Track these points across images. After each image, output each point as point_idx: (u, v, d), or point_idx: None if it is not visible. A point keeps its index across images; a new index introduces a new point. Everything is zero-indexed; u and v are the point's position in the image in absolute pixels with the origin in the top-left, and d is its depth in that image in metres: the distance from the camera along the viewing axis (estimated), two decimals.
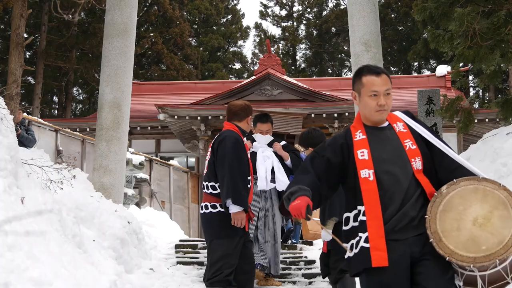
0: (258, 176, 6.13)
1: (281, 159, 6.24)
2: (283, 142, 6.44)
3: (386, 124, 2.79)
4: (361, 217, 2.64)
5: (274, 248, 6.38)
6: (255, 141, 6.35)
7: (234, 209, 4.29)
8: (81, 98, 33.88)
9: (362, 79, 2.77)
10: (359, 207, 2.66)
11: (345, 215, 2.78)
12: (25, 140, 8.50)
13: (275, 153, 6.26)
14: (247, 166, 4.49)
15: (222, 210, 4.37)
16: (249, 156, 4.68)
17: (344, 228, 2.77)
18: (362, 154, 2.69)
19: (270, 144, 6.33)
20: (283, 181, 6.15)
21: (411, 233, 2.60)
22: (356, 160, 2.70)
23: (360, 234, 2.64)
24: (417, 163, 2.66)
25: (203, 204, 4.57)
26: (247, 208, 4.34)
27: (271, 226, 6.35)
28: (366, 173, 2.65)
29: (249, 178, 4.51)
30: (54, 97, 32.66)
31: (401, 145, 2.70)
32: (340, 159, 2.75)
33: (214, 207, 4.43)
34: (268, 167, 6.17)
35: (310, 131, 5.19)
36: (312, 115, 17.15)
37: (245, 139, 4.70)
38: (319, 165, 2.77)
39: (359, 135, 2.75)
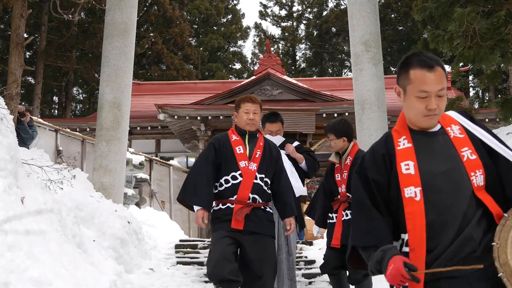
0: None
1: (294, 162, 5.66)
2: (296, 143, 5.82)
3: (438, 127, 2.19)
4: (404, 248, 2.10)
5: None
6: None
7: (194, 209, 4.30)
8: (81, 98, 33.92)
9: (409, 73, 2.15)
10: (402, 236, 2.12)
11: None
12: (24, 131, 8.13)
13: (288, 156, 5.63)
14: (210, 163, 4.28)
15: (215, 207, 4.36)
16: (242, 151, 4.33)
17: None
18: (407, 167, 2.11)
19: (281, 146, 5.63)
20: (296, 187, 5.44)
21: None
22: (399, 174, 2.12)
23: None
24: (478, 178, 2.07)
25: None
26: (204, 205, 4.22)
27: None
28: (412, 192, 2.07)
29: (229, 175, 4.29)
30: (54, 97, 32.69)
31: (457, 154, 2.12)
32: (387, 175, 2.17)
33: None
34: None
35: (349, 122, 5.14)
36: None
37: (233, 136, 4.40)
38: (369, 192, 2.19)
39: (403, 143, 2.17)
